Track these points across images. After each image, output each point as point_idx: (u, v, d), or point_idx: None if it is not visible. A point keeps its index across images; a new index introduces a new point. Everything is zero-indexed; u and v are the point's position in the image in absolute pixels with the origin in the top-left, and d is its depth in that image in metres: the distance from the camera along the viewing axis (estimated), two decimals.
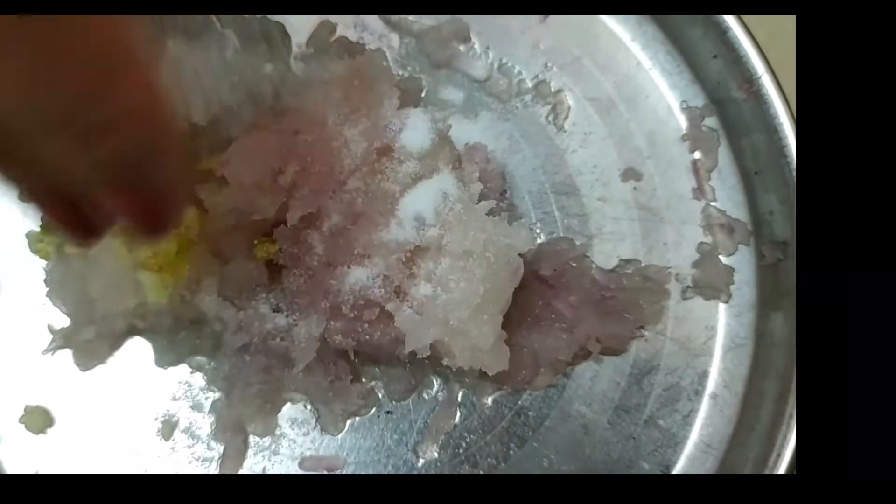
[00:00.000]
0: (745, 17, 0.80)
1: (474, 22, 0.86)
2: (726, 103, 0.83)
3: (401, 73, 0.85)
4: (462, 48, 0.86)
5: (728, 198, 0.84)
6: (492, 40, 0.86)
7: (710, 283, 0.82)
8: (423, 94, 0.84)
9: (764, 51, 0.80)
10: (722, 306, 0.82)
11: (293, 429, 0.79)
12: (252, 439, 0.79)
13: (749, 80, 0.79)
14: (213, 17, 0.84)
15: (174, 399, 0.79)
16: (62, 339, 0.78)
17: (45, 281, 0.79)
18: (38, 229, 0.78)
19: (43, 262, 0.79)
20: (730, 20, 0.80)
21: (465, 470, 0.79)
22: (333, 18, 0.86)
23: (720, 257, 0.83)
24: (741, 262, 0.83)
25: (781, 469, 0.74)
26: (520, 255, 0.73)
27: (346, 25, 0.86)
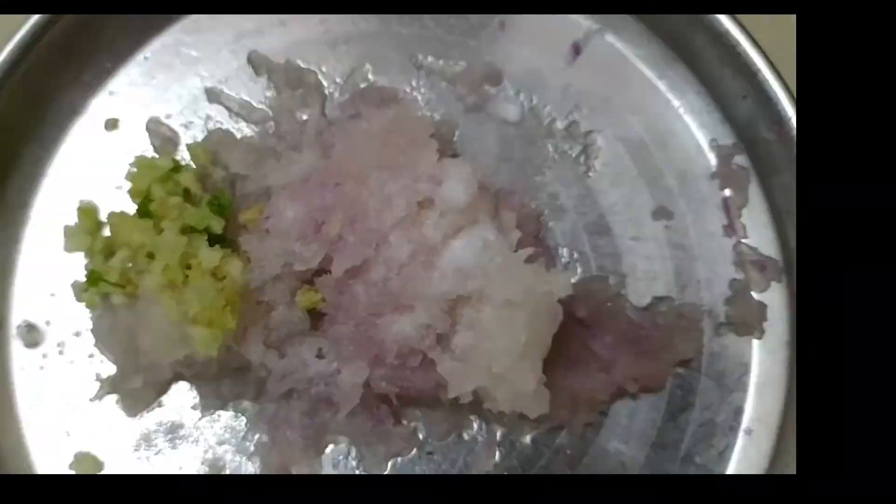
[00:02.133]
0: (775, 59, 0.81)
1: (505, 64, 0.87)
2: (756, 143, 0.84)
3: (433, 116, 0.86)
4: (493, 91, 0.87)
5: (759, 235, 0.85)
6: (522, 83, 0.88)
7: (744, 320, 0.83)
8: (455, 138, 0.86)
9: (794, 92, 0.81)
10: (756, 342, 0.84)
11: (337, 470, 0.80)
12: None
13: (779, 122, 0.81)
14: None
15: (220, 443, 0.81)
16: (110, 386, 0.80)
17: (91, 330, 0.80)
18: (83, 279, 0.79)
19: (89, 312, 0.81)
20: (760, 62, 0.81)
21: None
22: (366, 65, 0.87)
23: (753, 294, 0.84)
24: (774, 299, 0.84)
25: None
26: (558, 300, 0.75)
27: (377, 69, 0.88)
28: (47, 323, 0.82)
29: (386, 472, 0.80)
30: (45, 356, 0.81)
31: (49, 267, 0.83)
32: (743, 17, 0.82)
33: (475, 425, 0.81)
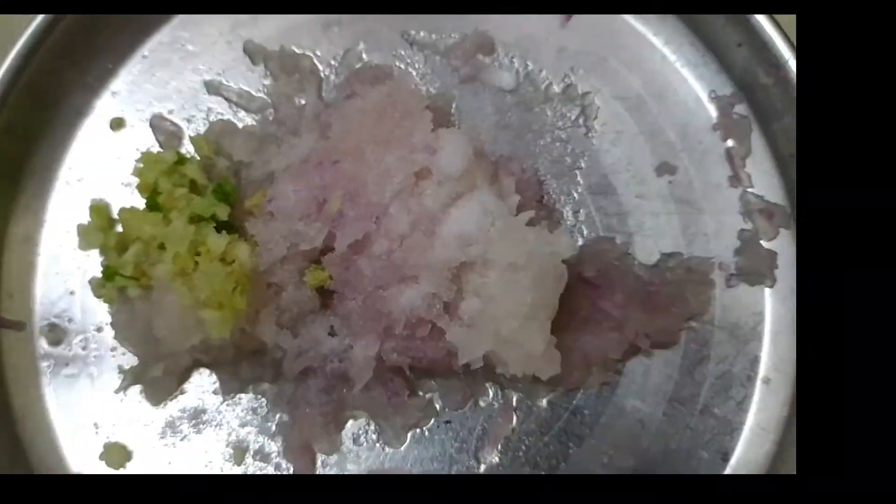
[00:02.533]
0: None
1: (498, 32, 0.88)
2: (755, 90, 0.84)
3: (429, 89, 0.87)
4: (487, 60, 0.87)
5: (765, 183, 0.84)
6: (516, 49, 0.88)
7: (754, 270, 0.83)
8: (453, 110, 0.86)
9: (789, 34, 0.80)
10: (767, 291, 0.83)
11: (357, 445, 0.82)
12: (319, 458, 0.82)
13: (776, 66, 0.80)
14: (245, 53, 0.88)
15: (242, 425, 0.82)
16: (132, 377, 0.82)
17: (111, 324, 0.83)
18: (99, 276, 0.81)
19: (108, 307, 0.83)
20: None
21: (527, 472, 0.81)
22: (360, 44, 0.88)
23: (762, 243, 0.83)
24: (783, 246, 0.83)
25: None
26: (563, 260, 0.75)
27: (371, 48, 0.88)
28: (69, 321, 0.84)
29: (404, 447, 0.81)
30: (69, 353, 0.84)
31: (67, 266, 0.85)
32: None
33: (490, 392, 0.82)
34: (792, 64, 0.79)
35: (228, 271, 0.74)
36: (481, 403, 0.82)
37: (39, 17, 0.83)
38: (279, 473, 0.81)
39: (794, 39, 0.79)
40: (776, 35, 0.79)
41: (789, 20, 0.81)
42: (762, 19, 0.80)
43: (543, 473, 0.80)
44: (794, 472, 0.74)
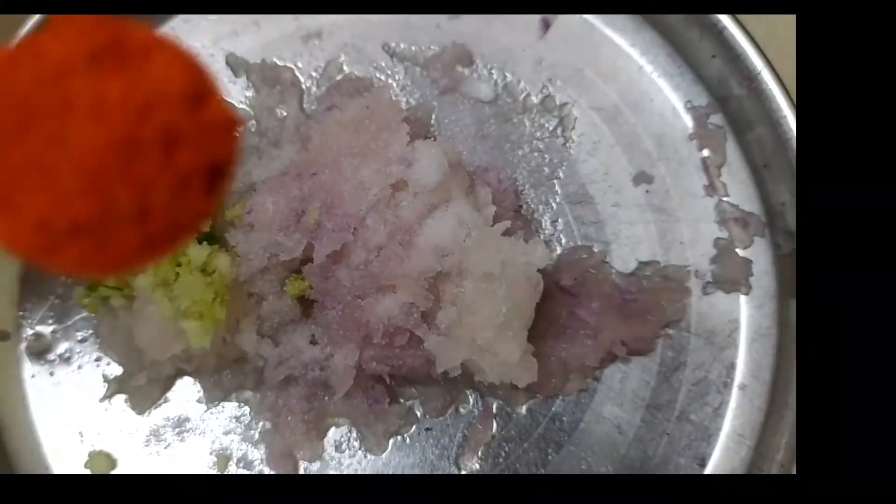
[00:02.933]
0: (740, 16, 0.81)
1: (476, 44, 0.89)
2: (729, 100, 0.85)
3: (409, 101, 0.88)
4: (466, 72, 0.89)
5: (740, 192, 0.85)
6: (494, 61, 0.89)
7: (730, 277, 0.84)
8: (433, 121, 0.87)
9: (762, 47, 0.81)
10: (743, 298, 0.84)
11: (339, 452, 0.83)
12: (302, 465, 0.83)
13: (749, 77, 0.81)
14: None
15: (225, 433, 0.83)
16: (117, 386, 0.84)
17: (95, 335, 0.84)
18: (83, 286, 0.82)
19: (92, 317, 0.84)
20: (725, 20, 0.81)
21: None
22: (341, 56, 0.89)
23: (737, 251, 0.85)
24: (758, 254, 0.84)
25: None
26: (539, 269, 0.76)
27: (352, 60, 0.90)
28: (53, 331, 0.85)
29: (385, 454, 0.82)
30: (54, 362, 0.85)
31: (51, 278, 0.86)
32: None
33: (471, 399, 0.83)
34: (765, 75, 0.80)
35: (209, 282, 0.75)
36: (461, 410, 0.83)
37: (21, 34, 0.84)
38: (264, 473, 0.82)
39: (765, 51, 0.81)
40: (749, 47, 0.81)
41: (763, 32, 0.82)
42: (735, 31, 0.81)
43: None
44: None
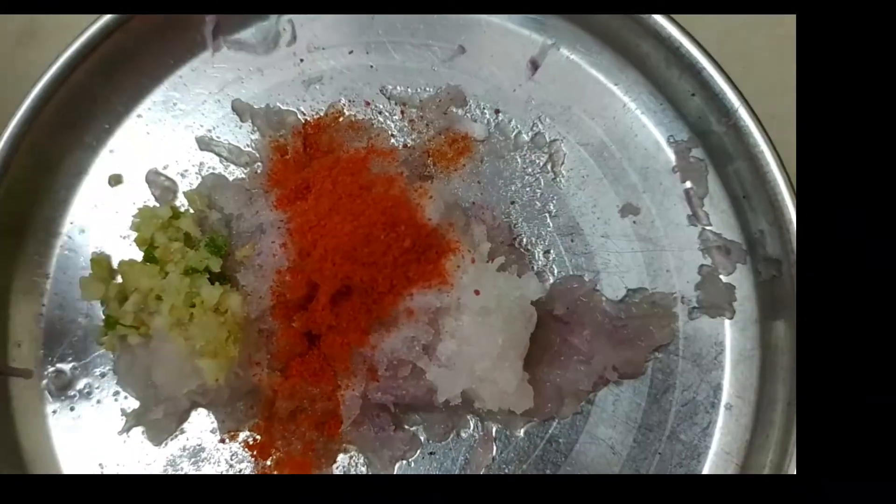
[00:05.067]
0: (718, 57, 0.86)
1: (469, 85, 0.94)
2: (709, 135, 0.90)
3: (407, 141, 0.93)
4: (460, 112, 0.93)
5: (721, 221, 0.90)
6: (487, 101, 0.94)
7: (714, 303, 0.88)
8: (429, 162, 0.92)
9: (738, 84, 0.86)
10: (727, 322, 0.89)
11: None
12: None
13: (726, 114, 0.86)
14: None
15: (239, 462, 0.88)
16: (134, 419, 0.88)
17: (113, 370, 0.88)
18: (102, 325, 0.87)
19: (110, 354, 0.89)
20: (703, 61, 0.86)
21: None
22: (341, 100, 0.94)
23: (721, 277, 0.89)
24: (741, 280, 0.89)
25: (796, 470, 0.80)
26: (532, 301, 0.81)
27: (352, 104, 0.94)
28: (74, 368, 0.90)
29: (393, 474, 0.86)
30: (75, 398, 0.89)
31: (71, 315, 0.90)
32: (681, 18, 0.87)
33: (471, 423, 0.88)
34: (741, 112, 0.85)
35: (222, 321, 0.80)
36: (462, 435, 0.88)
37: (38, 85, 0.88)
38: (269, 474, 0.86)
39: (742, 89, 0.85)
40: (725, 86, 0.85)
41: (739, 69, 0.87)
42: (713, 72, 0.86)
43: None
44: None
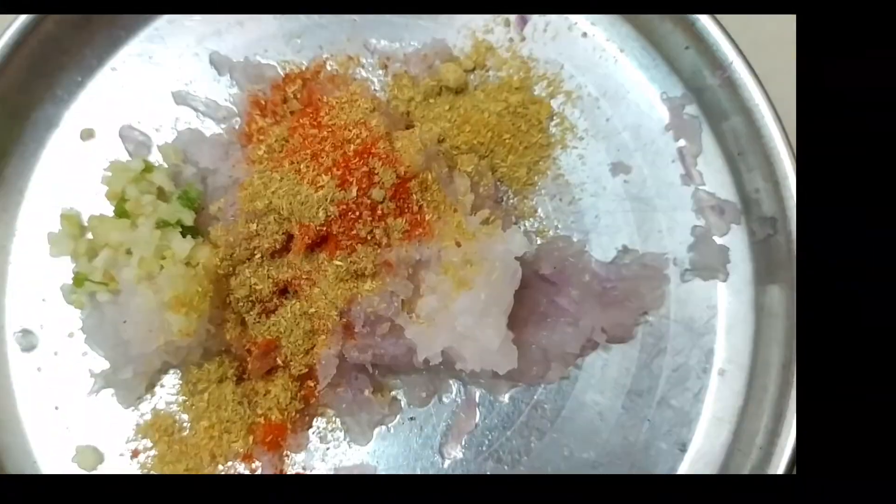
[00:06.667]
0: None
1: (455, 40, 0.90)
2: (703, 91, 0.86)
3: (389, 97, 0.89)
4: (446, 68, 0.90)
5: (715, 180, 0.87)
6: (474, 56, 0.90)
7: (707, 264, 0.85)
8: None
9: (735, 38, 0.83)
10: (721, 285, 0.85)
11: (325, 443, 0.84)
12: (287, 455, 0.83)
13: (721, 67, 0.83)
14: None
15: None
16: (103, 380, 0.84)
17: (81, 329, 0.84)
18: (70, 282, 0.83)
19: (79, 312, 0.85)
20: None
21: (490, 466, 0.83)
22: (323, 54, 0.91)
23: (714, 238, 0.86)
24: (734, 241, 0.86)
25: (791, 435, 0.76)
26: (518, 257, 0.77)
27: (334, 59, 0.91)
28: (41, 327, 0.86)
29: (369, 444, 0.83)
30: (41, 358, 0.86)
31: (38, 274, 0.87)
32: None
33: (454, 388, 0.84)
34: (736, 65, 0.82)
35: (192, 274, 0.76)
36: (445, 399, 0.84)
37: (8, 34, 0.85)
38: (252, 474, 0.83)
39: (738, 42, 0.82)
40: (721, 37, 0.82)
41: (736, 23, 0.84)
42: (707, 22, 0.83)
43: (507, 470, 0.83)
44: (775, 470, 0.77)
